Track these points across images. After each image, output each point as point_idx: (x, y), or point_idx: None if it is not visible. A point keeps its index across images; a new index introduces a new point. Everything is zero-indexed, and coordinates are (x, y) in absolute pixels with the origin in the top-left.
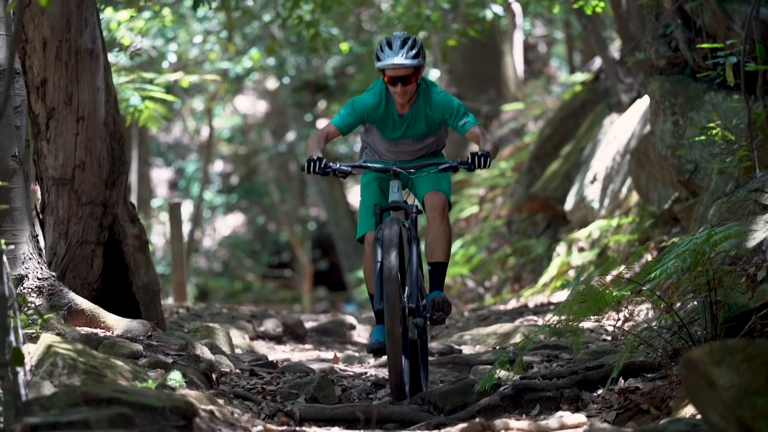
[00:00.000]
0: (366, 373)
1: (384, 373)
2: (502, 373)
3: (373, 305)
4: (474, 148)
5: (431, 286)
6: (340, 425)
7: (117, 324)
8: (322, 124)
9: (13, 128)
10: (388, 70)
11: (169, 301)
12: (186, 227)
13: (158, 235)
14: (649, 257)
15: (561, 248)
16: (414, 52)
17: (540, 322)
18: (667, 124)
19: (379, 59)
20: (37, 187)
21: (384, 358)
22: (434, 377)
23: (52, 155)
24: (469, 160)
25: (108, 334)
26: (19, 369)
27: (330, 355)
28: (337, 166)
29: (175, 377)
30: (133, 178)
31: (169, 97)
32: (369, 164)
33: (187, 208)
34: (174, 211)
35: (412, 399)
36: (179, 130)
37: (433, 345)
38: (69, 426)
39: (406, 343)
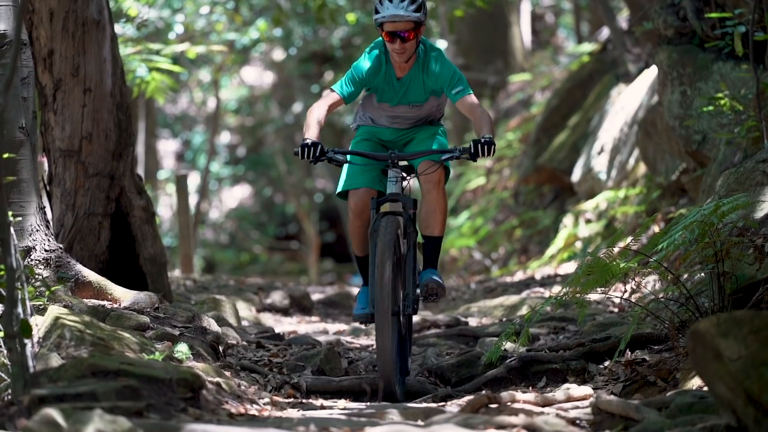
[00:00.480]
0: (373, 345)
1: None
2: (508, 346)
3: (359, 266)
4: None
5: (425, 262)
6: (346, 397)
7: (124, 296)
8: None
9: (20, 99)
10: (387, 24)
11: (176, 273)
12: (193, 199)
13: (165, 207)
14: (656, 228)
15: (568, 220)
16: (415, 6)
17: (547, 294)
18: (674, 95)
19: (377, 12)
20: (44, 159)
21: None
22: (440, 349)
23: (59, 127)
24: (472, 149)
25: (115, 306)
26: (26, 341)
27: (337, 327)
28: (333, 153)
29: (182, 349)
30: (140, 149)
31: (176, 68)
32: (367, 153)
33: (193, 180)
34: (180, 183)
35: (418, 371)
36: (186, 101)
37: (440, 317)
38: (76, 398)
39: (398, 342)
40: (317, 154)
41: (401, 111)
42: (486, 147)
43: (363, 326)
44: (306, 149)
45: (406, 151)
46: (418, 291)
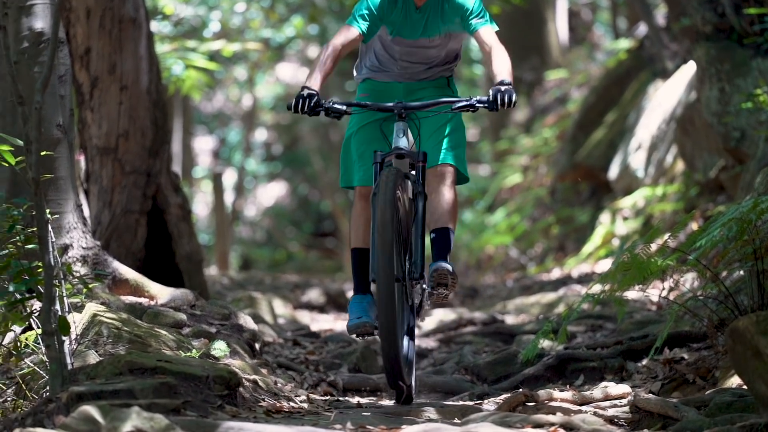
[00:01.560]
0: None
1: (427, 343)
2: (545, 343)
3: (355, 264)
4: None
5: (434, 255)
6: (383, 395)
7: (161, 293)
8: None
9: (57, 97)
10: None
11: (212, 270)
12: (229, 197)
13: (201, 205)
14: (694, 226)
15: (605, 217)
16: None
17: (584, 291)
18: (713, 91)
19: None
20: (81, 157)
21: (426, 322)
22: (477, 347)
23: (95, 124)
24: (490, 98)
25: (152, 303)
26: (64, 338)
27: None
28: (330, 103)
29: (219, 347)
30: (176, 147)
31: (211, 65)
32: (369, 104)
33: (230, 178)
34: (217, 180)
35: (455, 369)
36: (222, 99)
37: (476, 315)
38: (114, 395)
39: (405, 319)
40: (311, 106)
41: (419, 47)
42: (507, 97)
43: (360, 339)
44: (300, 101)
45: (421, 136)
46: (426, 286)
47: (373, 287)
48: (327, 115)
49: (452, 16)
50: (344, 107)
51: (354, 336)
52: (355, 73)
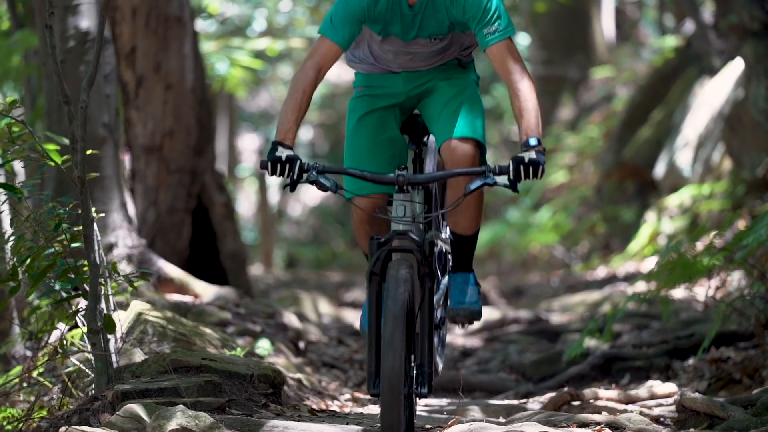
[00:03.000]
0: (456, 340)
1: (472, 341)
2: (590, 342)
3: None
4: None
5: (454, 265)
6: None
7: (206, 292)
8: None
9: (103, 96)
10: None
11: (257, 269)
12: (274, 195)
13: (246, 204)
14: (741, 224)
15: (651, 215)
16: None
17: (629, 290)
18: (760, 89)
19: None
20: (126, 156)
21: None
22: (522, 346)
23: (141, 123)
24: (511, 173)
25: (197, 301)
26: (110, 336)
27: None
28: (315, 175)
29: (264, 345)
30: (221, 146)
31: (256, 64)
32: (367, 174)
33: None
34: (261, 179)
35: (500, 368)
36: (266, 97)
37: (521, 314)
38: (159, 393)
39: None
40: (293, 177)
41: (417, 47)
42: (532, 169)
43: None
44: (279, 166)
45: (430, 118)
46: (441, 313)
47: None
48: (311, 184)
49: (456, 15)
50: (334, 184)
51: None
52: (347, 59)
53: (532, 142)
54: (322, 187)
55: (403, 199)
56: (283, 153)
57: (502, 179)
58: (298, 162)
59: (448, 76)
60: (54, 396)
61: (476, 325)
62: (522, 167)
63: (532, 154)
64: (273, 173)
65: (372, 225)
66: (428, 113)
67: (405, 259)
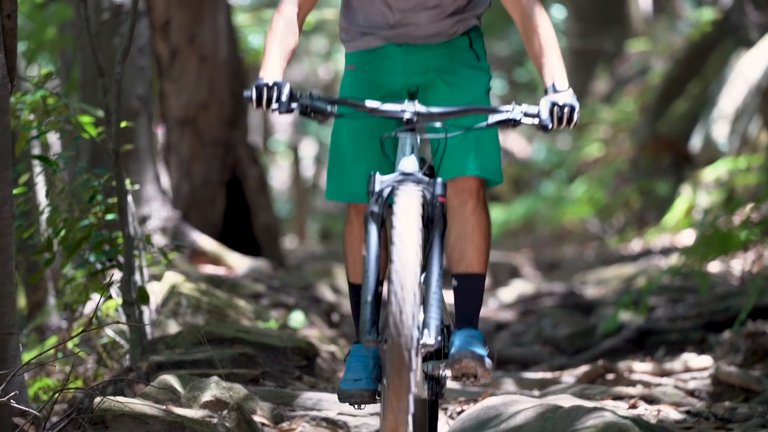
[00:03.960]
0: (490, 317)
1: (506, 315)
2: (625, 316)
3: (355, 304)
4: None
5: (459, 316)
6: None
7: (239, 264)
8: None
9: (137, 69)
10: None
11: (291, 242)
12: (308, 168)
13: (280, 176)
14: None
15: (686, 189)
16: None
17: (664, 264)
18: None
19: None
20: (161, 128)
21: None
22: (556, 320)
23: (175, 95)
24: (542, 113)
25: (230, 274)
26: (144, 308)
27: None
28: (310, 100)
29: (297, 318)
30: (255, 119)
31: None
32: (369, 103)
33: (309, 149)
34: (295, 152)
35: (533, 341)
36: (300, 70)
37: (555, 287)
38: (193, 364)
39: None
40: (283, 100)
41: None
42: (567, 112)
43: (355, 408)
44: (265, 90)
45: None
46: (446, 372)
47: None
48: (304, 115)
49: None
50: (329, 106)
51: (348, 403)
52: (341, 36)
53: (562, 84)
54: (316, 113)
55: (410, 138)
56: (269, 79)
57: (530, 120)
58: (288, 86)
59: (455, 76)
60: (89, 367)
61: (510, 297)
62: (556, 109)
63: (566, 97)
64: (259, 102)
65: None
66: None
67: (414, 195)
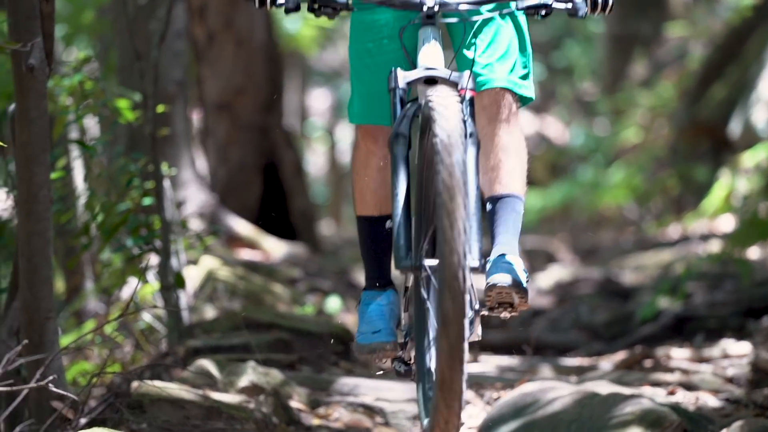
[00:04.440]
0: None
1: (542, 301)
2: (663, 302)
3: (367, 241)
4: None
5: (495, 241)
6: (499, 353)
7: (276, 249)
8: None
9: (173, 53)
10: None
11: (327, 227)
12: (344, 152)
13: (316, 161)
14: None
15: (725, 174)
16: None
17: (702, 249)
18: None
19: None
20: (197, 112)
21: None
22: (593, 306)
23: (211, 80)
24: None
25: (267, 258)
26: (181, 293)
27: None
28: None
29: (333, 303)
30: (292, 103)
31: (327, 22)
32: None
33: (345, 134)
34: (331, 136)
35: (570, 327)
36: (337, 55)
37: (592, 273)
38: (230, 349)
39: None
40: None
41: None
42: None
43: (377, 363)
44: None
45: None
46: (475, 302)
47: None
48: (312, 12)
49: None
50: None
51: (366, 359)
52: None
53: None
54: (326, 7)
55: (432, 30)
56: None
57: (563, 5)
58: None
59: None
60: (126, 351)
61: (547, 283)
62: None
63: None
64: (262, 1)
65: (386, 154)
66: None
67: (451, 98)
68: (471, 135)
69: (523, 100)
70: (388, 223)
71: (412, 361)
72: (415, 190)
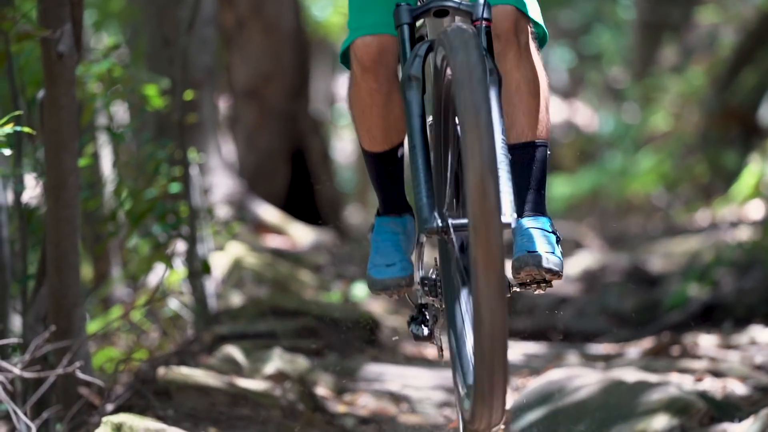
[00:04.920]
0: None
1: (569, 287)
2: (691, 289)
3: (378, 171)
4: None
5: (520, 200)
6: (526, 340)
7: (302, 235)
8: None
9: (202, 40)
10: None
11: (354, 214)
12: None
13: (344, 149)
14: None
15: (755, 161)
16: None
17: (730, 237)
18: None
19: None
20: (221, 100)
21: None
22: (620, 292)
23: (240, 67)
24: None
25: (293, 245)
26: (207, 279)
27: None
28: None
29: (359, 290)
30: (319, 89)
31: None
32: None
33: None
34: None
35: (597, 314)
36: None
37: (620, 260)
38: (256, 336)
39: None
40: None
41: None
42: None
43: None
44: None
45: None
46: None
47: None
48: None
49: None
50: None
51: (378, 294)
52: None
53: None
54: None
55: None
56: None
57: None
58: None
59: None
60: (153, 338)
61: (573, 270)
62: None
63: None
64: None
65: (385, 80)
66: None
67: (468, 33)
68: (492, 72)
69: (539, 39)
70: (399, 152)
71: (431, 322)
72: (433, 140)
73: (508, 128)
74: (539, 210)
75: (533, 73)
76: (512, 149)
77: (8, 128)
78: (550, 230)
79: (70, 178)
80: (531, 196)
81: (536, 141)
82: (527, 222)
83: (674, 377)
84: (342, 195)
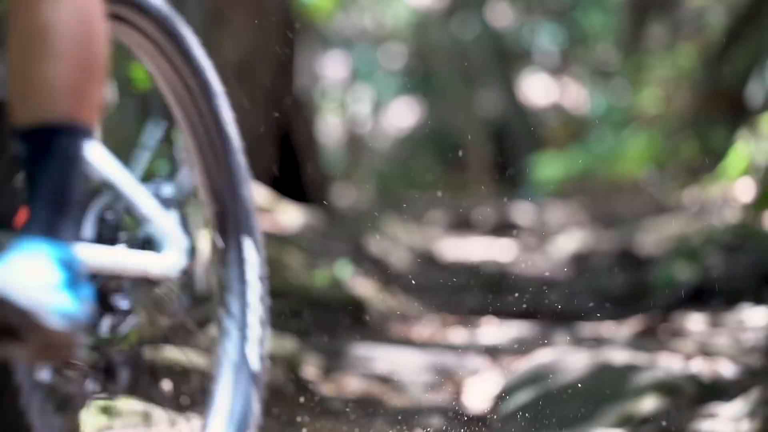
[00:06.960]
0: (547, 272)
1: (556, 268)
2: (680, 269)
3: None
4: None
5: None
6: (513, 319)
7: (290, 216)
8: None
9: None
10: None
11: (343, 194)
12: (360, 120)
13: (333, 129)
14: None
15: (743, 140)
16: None
17: (720, 216)
18: None
19: None
20: None
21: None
22: (608, 273)
23: (226, 44)
24: None
25: (280, 224)
26: (195, 260)
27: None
28: None
29: (346, 269)
30: (306, 70)
31: None
32: None
33: (361, 101)
34: (346, 104)
35: (586, 294)
36: (352, 21)
37: (609, 241)
38: None
39: None
40: None
41: None
42: None
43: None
44: None
45: None
46: None
47: None
48: None
49: None
50: None
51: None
52: None
53: None
54: None
55: None
56: None
57: None
58: None
59: None
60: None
61: (562, 251)
62: None
63: None
64: None
65: None
66: None
67: None
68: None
69: None
70: None
71: None
72: None
73: (21, 100)
74: (46, 235)
75: (67, 13)
76: (27, 135)
77: None
78: (67, 265)
79: None
80: (39, 214)
81: (64, 123)
82: (25, 243)
83: (663, 358)
84: (330, 175)
